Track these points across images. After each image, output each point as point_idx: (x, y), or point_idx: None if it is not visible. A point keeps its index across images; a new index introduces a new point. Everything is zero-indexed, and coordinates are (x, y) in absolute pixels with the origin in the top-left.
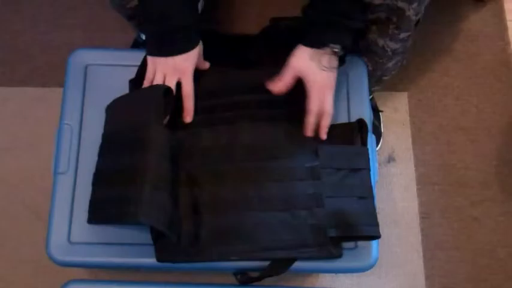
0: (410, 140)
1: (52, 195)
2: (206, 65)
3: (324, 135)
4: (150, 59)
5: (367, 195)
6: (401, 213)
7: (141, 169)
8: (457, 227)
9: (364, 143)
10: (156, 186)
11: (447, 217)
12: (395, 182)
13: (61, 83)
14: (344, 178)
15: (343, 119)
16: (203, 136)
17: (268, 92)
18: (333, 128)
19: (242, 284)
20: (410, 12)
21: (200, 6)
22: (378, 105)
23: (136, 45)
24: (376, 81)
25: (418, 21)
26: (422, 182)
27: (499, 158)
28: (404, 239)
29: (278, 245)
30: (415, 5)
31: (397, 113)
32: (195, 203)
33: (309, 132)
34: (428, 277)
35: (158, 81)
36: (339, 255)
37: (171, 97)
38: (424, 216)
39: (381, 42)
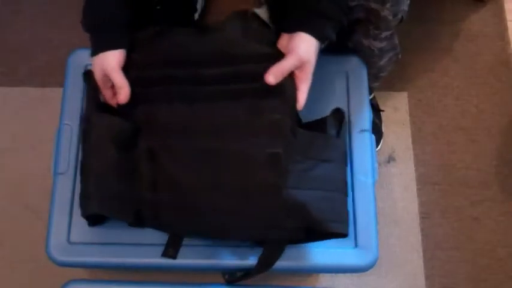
0: (410, 140)
1: (52, 195)
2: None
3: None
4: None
5: (336, 189)
6: (401, 213)
7: (86, 161)
8: (457, 227)
9: (338, 134)
10: (100, 174)
11: (447, 217)
12: (395, 182)
13: (61, 83)
14: (312, 168)
15: None
16: (162, 111)
17: (233, 63)
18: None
19: (230, 283)
20: (385, 13)
21: (200, 5)
22: (378, 104)
23: None
24: (374, 78)
25: (401, 20)
26: (422, 182)
27: (499, 158)
28: (404, 239)
29: (233, 230)
30: (388, 5)
31: (397, 113)
32: (155, 179)
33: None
34: (428, 277)
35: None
36: (300, 241)
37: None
38: (424, 216)
39: (365, 42)
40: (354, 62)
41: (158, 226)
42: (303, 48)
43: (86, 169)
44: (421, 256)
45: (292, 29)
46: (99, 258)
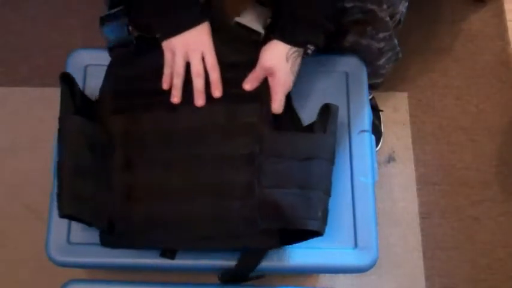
0: (410, 140)
1: (52, 196)
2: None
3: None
4: (164, 44)
5: (315, 187)
6: (401, 213)
7: (60, 162)
8: (457, 227)
9: (325, 130)
10: (74, 177)
11: (447, 217)
12: (395, 182)
13: None
14: (290, 167)
15: (342, 119)
16: (143, 120)
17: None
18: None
19: (224, 283)
20: (382, 14)
21: None
22: (378, 105)
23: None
24: (374, 76)
25: (399, 22)
26: (422, 182)
27: (499, 158)
28: (404, 239)
29: (205, 235)
30: (384, 6)
31: (397, 113)
32: (129, 188)
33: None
34: (428, 277)
35: (179, 64)
36: (275, 246)
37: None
38: (424, 216)
39: (364, 42)
40: (353, 62)
41: (128, 239)
42: (265, 56)
43: (60, 170)
44: (421, 256)
45: (272, 37)
46: (99, 258)
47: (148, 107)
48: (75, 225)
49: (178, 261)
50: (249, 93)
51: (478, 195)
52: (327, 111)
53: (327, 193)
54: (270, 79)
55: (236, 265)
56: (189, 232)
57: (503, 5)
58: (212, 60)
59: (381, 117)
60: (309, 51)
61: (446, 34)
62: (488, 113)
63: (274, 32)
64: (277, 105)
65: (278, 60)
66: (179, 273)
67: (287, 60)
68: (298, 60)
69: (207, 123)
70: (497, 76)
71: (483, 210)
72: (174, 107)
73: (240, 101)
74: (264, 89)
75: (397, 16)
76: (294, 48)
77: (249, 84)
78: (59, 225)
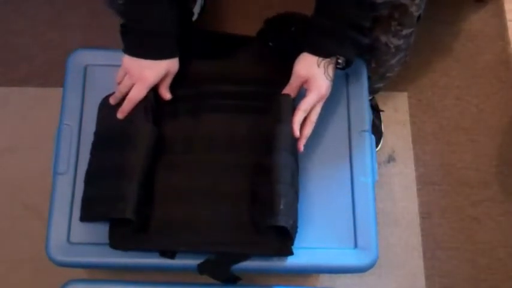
0: (410, 140)
1: (52, 196)
2: (167, 95)
3: (301, 147)
4: (125, 58)
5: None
6: (401, 213)
7: (131, 167)
8: (457, 227)
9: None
10: (140, 183)
11: (447, 217)
12: (395, 182)
13: (61, 83)
14: (290, 163)
15: (342, 119)
16: (165, 126)
17: (235, 82)
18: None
19: (202, 272)
20: (413, 8)
21: (199, 6)
22: (378, 105)
23: None
24: (380, 78)
25: (419, 17)
26: (422, 182)
27: (499, 158)
28: (404, 239)
29: (223, 240)
30: (417, 1)
31: (397, 113)
32: (150, 191)
33: (296, 132)
34: (428, 277)
35: (124, 83)
36: (288, 254)
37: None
38: (424, 216)
39: (383, 39)
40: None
41: (145, 236)
42: (298, 66)
43: (131, 173)
44: (421, 256)
45: (301, 51)
46: (99, 258)
47: (170, 113)
48: (75, 224)
49: (178, 261)
50: (269, 106)
51: (478, 195)
52: (277, 103)
53: (296, 186)
54: (305, 85)
55: (215, 258)
56: (207, 236)
57: (503, 5)
58: (131, 95)
59: (381, 117)
60: (340, 61)
61: (447, 34)
62: (488, 113)
63: (303, 46)
64: (306, 104)
65: (311, 67)
66: (179, 273)
67: (318, 66)
68: (331, 67)
69: (227, 132)
70: (497, 76)
71: (483, 210)
72: (197, 114)
73: (261, 112)
74: (283, 101)
75: (420, 11)
76: (323, 59)
77: (287, 93)
78: (59, 225)
